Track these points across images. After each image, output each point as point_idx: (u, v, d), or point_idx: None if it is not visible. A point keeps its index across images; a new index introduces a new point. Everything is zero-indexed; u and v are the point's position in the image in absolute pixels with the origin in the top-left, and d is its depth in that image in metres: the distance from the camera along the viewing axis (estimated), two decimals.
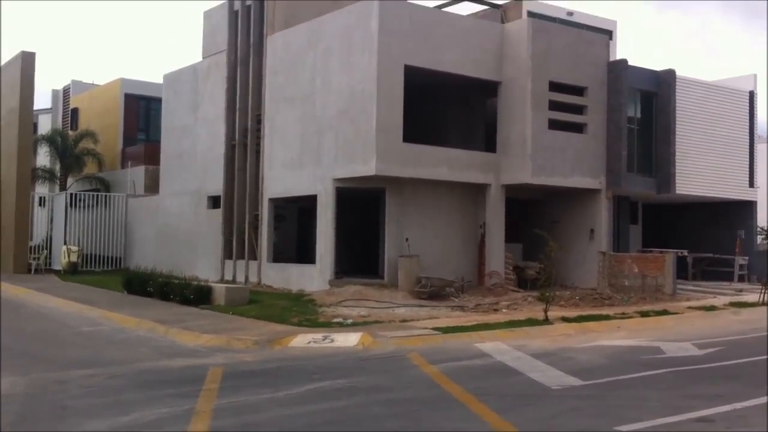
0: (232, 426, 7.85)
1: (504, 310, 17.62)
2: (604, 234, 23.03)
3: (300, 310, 17.09)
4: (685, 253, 26.38)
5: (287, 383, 9.89)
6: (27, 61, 29.14)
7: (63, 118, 41.06)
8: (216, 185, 25.97)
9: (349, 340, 13.23)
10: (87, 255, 30.53)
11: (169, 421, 7.96)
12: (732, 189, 26.52)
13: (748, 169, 26.91)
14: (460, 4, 26.99)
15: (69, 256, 28.68)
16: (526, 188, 22.45)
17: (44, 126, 40.54)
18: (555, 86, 21.96)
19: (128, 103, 36.61)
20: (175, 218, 28.59)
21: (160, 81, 30.92)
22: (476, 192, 22.26)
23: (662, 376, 10.65)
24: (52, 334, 14.91)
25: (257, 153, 24.44)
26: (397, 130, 20.07)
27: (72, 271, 28.15)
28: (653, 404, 8.91)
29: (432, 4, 25.43)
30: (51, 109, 42.75)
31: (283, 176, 23.19)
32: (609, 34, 28.58)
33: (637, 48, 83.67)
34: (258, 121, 24.51)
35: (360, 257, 23.41)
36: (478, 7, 26.87)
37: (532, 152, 21.36)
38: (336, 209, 21.14)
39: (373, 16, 20.05)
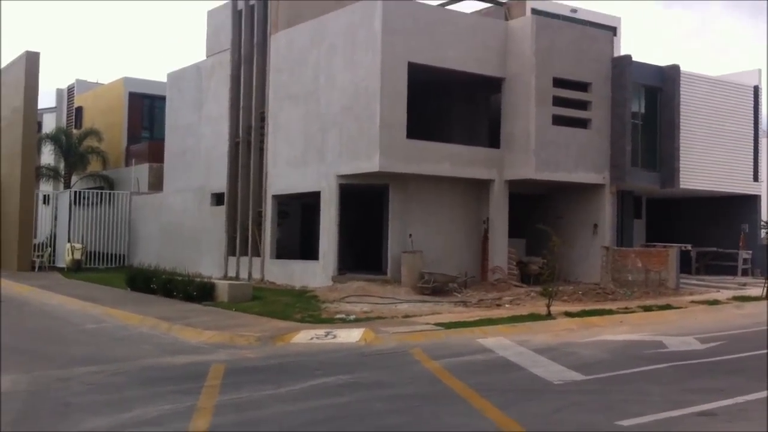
0: (234, 422, 7.87)
1: (507, 306, 17.62)
2: (607, 229, 23.00)
3: (303, 306, 17.11)
4: (689, 247, 26.31)
5: (289, 379, 9.91)
6: (31, 60, 29.24)
7: (67, 117, 41.16)
8: (220, 182, 26.01)
9: (351, 336, 13.24)
10: (91, 252, 30.58)
11: (171, 418, 7.98)
12: (736, 183, 26.45)
13: (752, 164, 26.83)
14: (463, 2, 26.96)
15: (73, 254, 28.76)
16: (529, 183, 22.42)
17: (49, 125, 40.64)
18: (559, 82, 21.93)
19: (132, 102, 36.68)
20: (179, 215, 28.64)
21: (164, 80, 30.97)
22: (479, 188, 22.25)
23: (664, 370, 10.65)
24: (56, 332, 14.95)
25: (261, 150, 24.47)
26: (400, 126, 20.07)
27: (75, 269, 28.22)
28: (655, 399, 8.91)
29: (435, 2, 25.39)
30: (55, 108, 42.86)
31: (286, 173, 23.21)
32: (613, 30, 28.54)
33: (642, 44, 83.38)
34: (262, 118, 24.53)
35: (363, 253, 23.43)
36: (481, 5, 26.80)
37: (535, 148, 21.33)
38: (339, 206, 21.15)
39: (376, 15, 20.05)
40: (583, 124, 22.69)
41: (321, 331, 13.58)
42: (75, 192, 31.70)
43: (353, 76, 20.75)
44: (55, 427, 7.77)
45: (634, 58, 23.32)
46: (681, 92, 24.29)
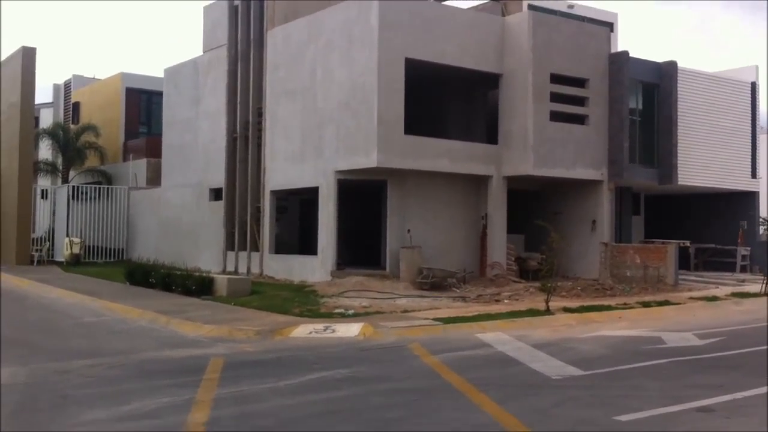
0: (232, 415, 7.86)
1: (505, 301, 17.63)
2: (606, 225, 23.04)
3: (301, 300, 17.10)
4: (688, 243, 26.37)
5: (288, 373, 9.90)
6: (28, 56, 29.25)
7: (64, 112, 41.16)
8: (218, 177, 26.00)
9: (350, 330, 13.24)
10: (89, 247, 30.65)
11: (169, 411, 7.97)
12: (734, 180, 26.49)
13: (750, 160, 26.89)
14: None
15: (71, 248, 28.78)
16: (528, 180, 22.45)
17: (46, 120, 40.64)
18: (556, 78, 21.94)
19: (129, 97, 36.67)
20: (177, 210, 28.64)
21: (161, 75, 30.94)
22: (478, 183, 22.25)
23: (663, 366, 10.65)
24: (54, 325, 14.93)
25: (259, 146, 24.47)
26: (398, 122, 20.07)
27: (74, 263, 28.23)
28: (653, 394, 8.91)
29: None
30: (52, 103, 42.87)
31: (284, 168, 23.20)
32: (610, 26, 28.47)
33: (639, 40, 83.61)
34: (259, 114, 24.52)
35: (362, 248, 23.43)
36: (478, 1, 26.83)
37: (533, 144, 21.35)
38: (338, 201, 21.15)
39: (373, 10, 20.03)
40: (580, 120, 22.71)
41: (320, 326, 13.58)
42: (73, 187, 31.74)
43: (350, 72, 20.73)
44: (53, 419, 7.76)
45: (631, 55, 23.34)
46: (678, 89, 24.32)
